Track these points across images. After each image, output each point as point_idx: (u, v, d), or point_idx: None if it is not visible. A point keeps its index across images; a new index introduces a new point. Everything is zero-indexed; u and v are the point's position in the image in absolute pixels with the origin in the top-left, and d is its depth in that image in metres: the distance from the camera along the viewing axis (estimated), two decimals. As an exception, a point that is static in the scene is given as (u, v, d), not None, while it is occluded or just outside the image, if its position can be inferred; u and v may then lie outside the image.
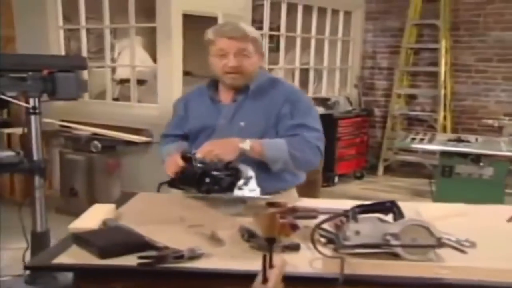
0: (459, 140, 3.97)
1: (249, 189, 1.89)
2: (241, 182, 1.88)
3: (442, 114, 6.33)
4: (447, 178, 3.93)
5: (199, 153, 1.94)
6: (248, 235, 1.59)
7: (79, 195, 4.65)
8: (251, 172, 1.91)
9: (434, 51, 6.62)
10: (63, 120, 4.89)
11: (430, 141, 4.11)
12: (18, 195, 4.86)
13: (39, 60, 3.18)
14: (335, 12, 6.78)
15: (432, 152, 5.93)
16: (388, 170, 6.78)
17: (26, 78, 2.99)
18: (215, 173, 1.88)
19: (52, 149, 5.00)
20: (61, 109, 4.88)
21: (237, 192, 1.87)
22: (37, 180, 3.16)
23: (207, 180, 1.87)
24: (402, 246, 1.41)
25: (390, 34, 7.04)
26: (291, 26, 6.15)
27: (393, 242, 1.42)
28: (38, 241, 3.22)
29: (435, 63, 6.54)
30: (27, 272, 3.09)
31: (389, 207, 1.53)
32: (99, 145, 4.53)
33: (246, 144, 1.98)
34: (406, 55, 6.69)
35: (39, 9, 5.32)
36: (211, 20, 5.03)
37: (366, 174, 6.59)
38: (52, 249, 1.55)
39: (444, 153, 3.92)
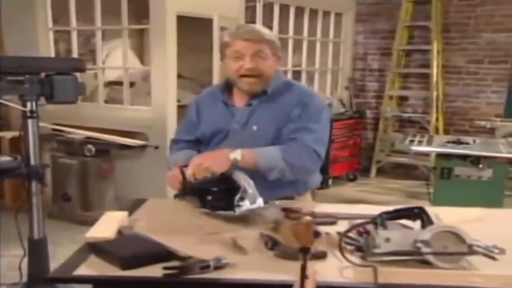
0: (458, 142, 3.97)
1: (250, 200, 1.78)
2: (238, 196, 1.77)
3: (434, 115, 6.34)
4: (446, 180, 3.92)
5: (189, 169, 1.89)
6: (272, 243, 1.54)
7: (72, 200, 4.56)
8: (248, 181, 1.83)
9: (425, 52, 6.64)
10: (55, 124, 4.80)
11: (429, 143, 4.10)
12: (8, 200, 4.76)
13: (37, 63, 3.10)
14: (326, 13, 6.76)
15: (425, 154, 5.96)
16: (380, 172, 6.79)
17: (24, 81, 2.91)
18: (214, 189, 1.81)
19: (44, 153, 4.90)
20: (53, 112, 4.76)
21: (240, 210, 1.76)
22: (35, 185, 3.08)
23: (209, 198, 1.81)
24: (435, 253, 1.38)
25: (380, 36, 7.05)
26: (282, 28, 6.11)
27: (425, 249, 1.39)
28: (35, 249, 3.14)
29: (426, 65, 6.56)
30: (23, 280, 3.02)
31: (417, 213, 1.50)
32: (93, 149, 4.44)
33: (237, 154, 1.92)
34: (397, 57, 6.70)
35: (28, 11, 5.20)
36: (200, 22, 4.97)
37: (359, 176, 6.58)
38: (70, 260, 1.48)
39: (442, 155, 3.91)
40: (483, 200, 3.75)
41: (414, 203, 5.10)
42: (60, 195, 4.60)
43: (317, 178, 2.29)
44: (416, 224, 1.52)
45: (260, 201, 1.79)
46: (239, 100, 2.17)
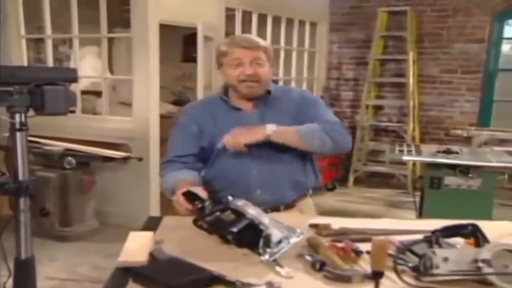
0: (448, 152, 3.99)
1: (276, 248, 1.59)
2: (261, 243, 1.58)
3: (411, 124, 6.40)
4: (436, 190, 3.92)
5: (226, 139, 2.03)
6: (320, 265, 1.47)
7: (50, 215, 4.35)
8: (265, 220, 1.64)
9: (399, 62, 6.71)
10: (30, 135, 4.58)
11: (418, 152, 4.11)
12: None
13: (30, 72, 2.93)
14: (302, 23, 6.76)
15: (403, 163, 6.01)
16: (357, 181, 6.80)
17: (12, 92, 2.75)
18: (233, 229, 1.60)
19: (20, 166, 4.68)
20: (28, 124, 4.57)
21: (267, 258, 1.55)
22: (23, 202, 2.90)
23: (230, 237, 1.64)
24: (498, 274, 1.33)
25: (355, 45, 7.10)
26: (260, 37, 6.06)
27: (487, 269, 1.34)
28: (22, 269, 2.97)
29: (401, 74, 6.64)
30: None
31: (472, 231, 1.45)
32: (74, 161, 4.27)
33: (273, 126, 2.05)
34: (373, 66, 6.75)
35: (-2, 18, 5.00)
36: (167, 30, 4.85)
37: (337, 185, 6.57)
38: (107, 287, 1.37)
39: (432, 165, 3.92)
40: (473, 209, 3.79)
41: (396, 213, 5.16)
42: (38, 210, 4.38)
43: (313, 178, 2.31)
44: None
45: (285, 243, 1.61)
46: (242, 106, 2.23)
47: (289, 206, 2.22)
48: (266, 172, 2.15)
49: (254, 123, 2.13)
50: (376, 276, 1.15)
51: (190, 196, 1.92)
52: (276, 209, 2.15)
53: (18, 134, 2.84)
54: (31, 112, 2.94)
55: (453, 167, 3.85)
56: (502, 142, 5.75)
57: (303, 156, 2.23)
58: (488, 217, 3.66)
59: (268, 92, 2.22)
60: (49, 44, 5.08)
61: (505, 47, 6.56)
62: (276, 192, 2.17)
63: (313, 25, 7.00)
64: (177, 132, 2.32)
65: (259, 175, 2.14)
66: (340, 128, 2.18)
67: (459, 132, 5.82)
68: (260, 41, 2.20)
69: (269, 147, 2.09)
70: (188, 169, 2.18)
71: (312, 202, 2.37)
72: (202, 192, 1.87)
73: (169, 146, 2.32)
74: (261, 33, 6.03)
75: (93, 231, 4.59)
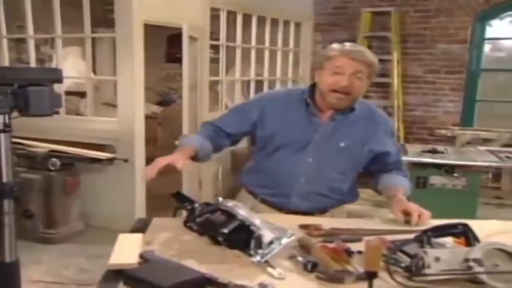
0: (433, 151, 4.02)
1: (268, 249, 1.57)
2: (252, 244, 1.57)
3: (396, 124, 6.44)
4: (422, 189, 3.96)
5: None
6: (312, 265, 1.46)
7: (34, 217, 4.29)
8: (255, 220, 1.63)
9: (383, 62, 6.72)
10: (14, 137, 4.52)
11: (404, 152, 4.13)
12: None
13: (15, 73, 2.89)
14: (286, 23, 6.77)
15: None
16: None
17: (-4, 93, 2.71)
18: (224, 230, 1.59)
19: (3, 167, 4.61)
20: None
21: (258, 260, 1.53)
22: (7, 204, 2.86)
23: (220, 239, 1.63)
24: (489, 273, 1.34)
25: (339, 46, 7.10)
26: (245, 38, 6.06)
27: (478, 268, 1.35)
28: (7, 272, 2.93)
29: (386, 74, 6.67)
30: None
31: (463, 230, 1.46)
32: (58, 163, 4.22)
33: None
34: (358, 66, 6.76)
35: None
36: (150, 30, 4.81)
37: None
38: (98, 291, 1.35)
39: (418, 164, 3.95)
40: (458, 208, 3.83)
41: (384, 212, 5.14)
42: (21, 212, 4.33)
43: (353, 196, 2.37)
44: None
45: (276, 244, 1.59)
46: (321, 112, 2.17)
47: (323, 211, 2.23)
48: (313, 182, 2.16)
49: (326, 133, 2.14)
50: (370, 276, 1.15)
51: (180, 198, 1.91)
52: (309, 213, 2.16)
53: (1, 136, 2.80)
54: (15, 113, 2.91)
55: (438, 166, 3.89)
56: (485, 141, 5.81)
57: (354, 177, 2.28)
58: (473, 216, 3.70)
59: (352, 109, 2.16)
60: (31, 44, 5.02)
61: (487, 48, 6.64)
62: (316, 202, 2.18)
63: (297, 25, 7.00)
64: (238, 108, 2.36)
65: (303, 185, 2.15)
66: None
67: (443, 131, 5.87)
68: (369, 56, 2.11)
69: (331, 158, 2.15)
70: (212, 140, 2.20)
71: (345, 209, 2.37)
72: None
73: (223, 114, 2.33)
74: (246, 33, 6.03)
75: (78, 233, 4.54)
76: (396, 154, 2.31)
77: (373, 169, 2.28)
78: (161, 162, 1.88)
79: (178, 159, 1.91)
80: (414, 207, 2.01)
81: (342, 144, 2.15)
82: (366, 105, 2.26)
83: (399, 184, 2.22)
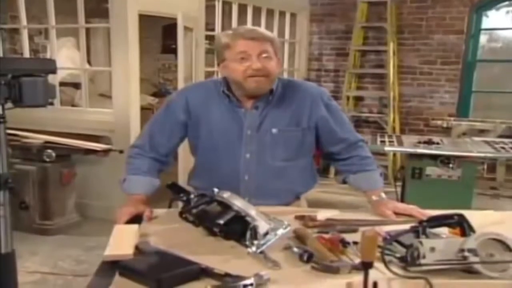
0: (429, 142, 4.02)
1: (263, 240, 1.58)
2: (248, 235, 1.57)
3: (392, 115, 6.44)
4: (417, 180, 3.96)
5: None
6: (308, 256, 1.46)
7: (30, 208, 4.29)
8: (251, 211, 1.63)
9: (379, 53, 6.74)
10: (9, 128, 4.51)
11: (399, 143, 4.14)
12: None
13: (8, 63, 2.87)
14: (282, 14, 6.74)
15: (384, 153, 6.04)
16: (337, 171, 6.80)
17: (-11, 84, 2.69)
18: (220, 221, 1.59)
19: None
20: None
21: (254, 251, 1.54)
22: (2, 196, 2.86)
23: (216, 230, 1.62)
24: (484, 263, 1.34)
25: (335, 36, 7.10)
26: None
27: (473, 258, 1.35)
28: (3, 263, 2.93)
29: (381, 65, 6.67)
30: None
31: (458, 221, 1.46)
32: (53, 154, 4.21)
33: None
34: (354, 57, 6.76)
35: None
36: (146, 21, 4.78)
37: (319, 176, 6.57)
38: (93, 283, 1.35)
39: (414, 155, 3.96)
40: (453, 199, 3.83)
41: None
42: (17, 204, 4.32)
43: (310, 183, 2.24)
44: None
45: (272, 235, 1.61)
46: (244, 103, 2.03)
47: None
48: (259, 177, 2.03)
49: (254, 124, 2.01)
50: (365, 267, 1.15)
51: (175, 189, 1.90)
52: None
53: (-4, 127, 2.79)
54: (9, 104, 2.90)
55: (434, 157, 3.89)
56: (481, 132, 5.82)
57: (304, 162, 2.12)
58: (468, 206, 3.71)
59: (271, 91, 2.01)
60: (25, 35, 4.99)
61: (483, 38, 6.63)
62: (273, 196, 2.05)
63: (293, 16, 6.99)
64: (161, 114, 2.14)
65: (249, 182, 2.03)
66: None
67: (439, 122, 5.88)
68: (267, 32, 1.99)
69: (272, 152, 2.02)
70: (155, 172, 2.09)
71: (305, 202, 2.24)
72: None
73: (147, 128, 2.15)
74: (241, 24, 6.01)
75: (74, 224, 4.54)
76: (342, 124, 2.11)
77: (332, 150, 2.13)
78: (121, 219, 1.83)
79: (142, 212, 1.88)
80: (408, 208, 1.95)
81: (274, 131, 2.01)
82: (288, 82, 2.11)
83: (373, 186, 2.11)
